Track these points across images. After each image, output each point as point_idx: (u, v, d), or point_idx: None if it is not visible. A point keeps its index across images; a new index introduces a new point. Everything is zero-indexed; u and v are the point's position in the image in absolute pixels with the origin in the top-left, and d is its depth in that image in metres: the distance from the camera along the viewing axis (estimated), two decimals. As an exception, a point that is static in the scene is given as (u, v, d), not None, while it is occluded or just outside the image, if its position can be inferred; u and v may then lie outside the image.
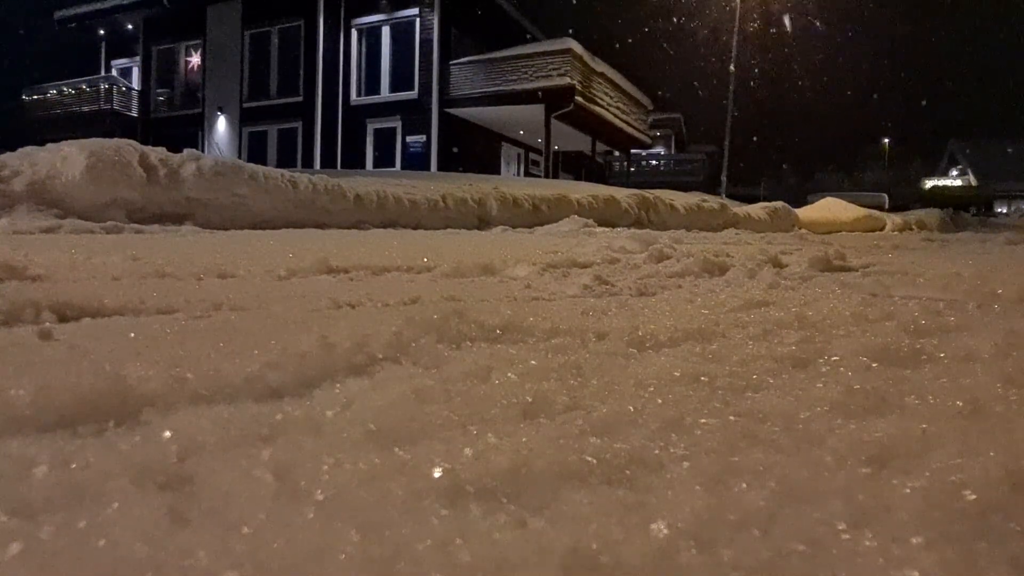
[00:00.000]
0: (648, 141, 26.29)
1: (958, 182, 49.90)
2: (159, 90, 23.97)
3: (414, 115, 19.67)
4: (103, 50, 25.96)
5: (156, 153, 6.58)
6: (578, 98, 18.26)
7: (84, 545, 0.58)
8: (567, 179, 23.10)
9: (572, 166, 26.45)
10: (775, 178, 50.16)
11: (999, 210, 41.70)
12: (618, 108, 21.66)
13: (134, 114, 24.20)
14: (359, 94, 20.64)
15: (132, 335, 1.47)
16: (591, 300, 2.33)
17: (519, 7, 22.08)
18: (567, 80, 17.96)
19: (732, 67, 23.67)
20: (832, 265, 3.83)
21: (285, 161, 20.06)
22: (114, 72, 25.61)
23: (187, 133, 21.90)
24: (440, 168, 18.69)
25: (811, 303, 2.10)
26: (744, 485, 0.73)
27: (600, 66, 19.87)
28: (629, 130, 22.89)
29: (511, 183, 11.60)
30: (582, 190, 11.47)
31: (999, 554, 0.59)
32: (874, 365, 1.29)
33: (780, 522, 0.65)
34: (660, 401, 1.04)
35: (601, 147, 24.09)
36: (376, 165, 19.93)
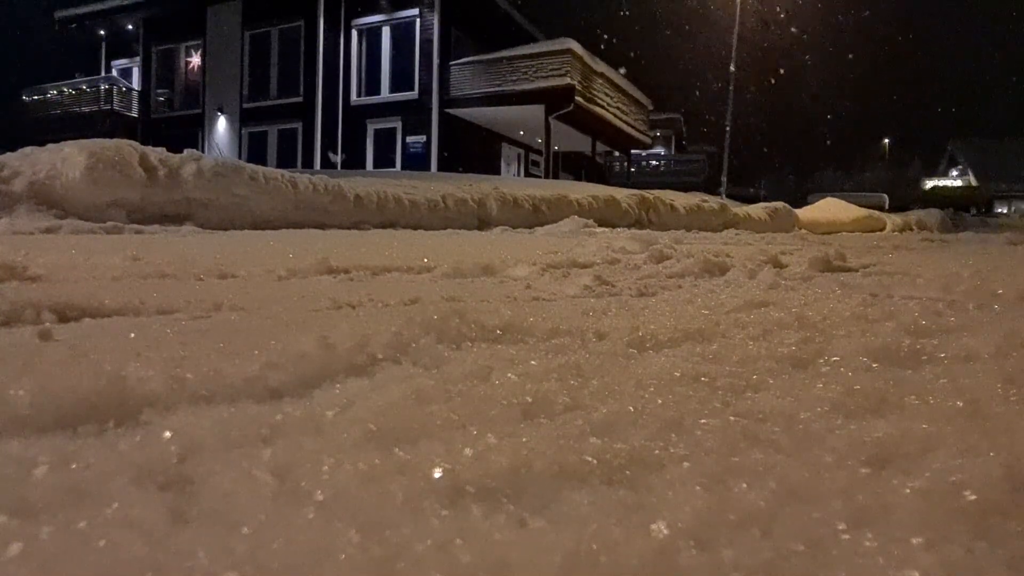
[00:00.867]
0: (648, 141, 26.29)
1: (958, 182, 49.88)
2: (159, 90, 23.97)
3: (414, 115, 19.67)
4: (103, 50, 25.97)
5: (156, 153, 6.58)
6: (578, 98, 18.26)
7: (84, 545, 0.58)
8: (567, 179, 23.08)
9: (572, 166, 26.45)
10: (775, 178, 50.17)
11: (999, 210, 41.70)
12: (618, 108, 21.66)
13: (134, 114, 24.20)
14: (359, 94, 20.64)
15: (132, 335, 1.47)
16: (591, 300, 2.33)
17: (519, 7, 22.09)
18: (567, 80, 17.96)
19: (732, 67, 23.68)
20: (832, 265, 3.83)
21: (285, 162, 20.06)
22: (114, 72, 25.62)
23: (187, 133, 21.90)
24: (440, 168, 18.69)
25: (811, 303, 2.11)
26: (744, 485, 0.73)
27: (600, 66, 19.87)
28: (629, 130, 22.89)
29: (511, 183, 11.60)
30: (582, 190, 11.47)
31: (999, 554, 0.59)
32: (874, 365, 1.29)
33: (780, 522, 0.65)
34: (660, 401, 1.04)
35: (601, 147, 24.08)
36: (376, 165, 19.94)
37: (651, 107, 25.53)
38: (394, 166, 19.67)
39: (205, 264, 2.95)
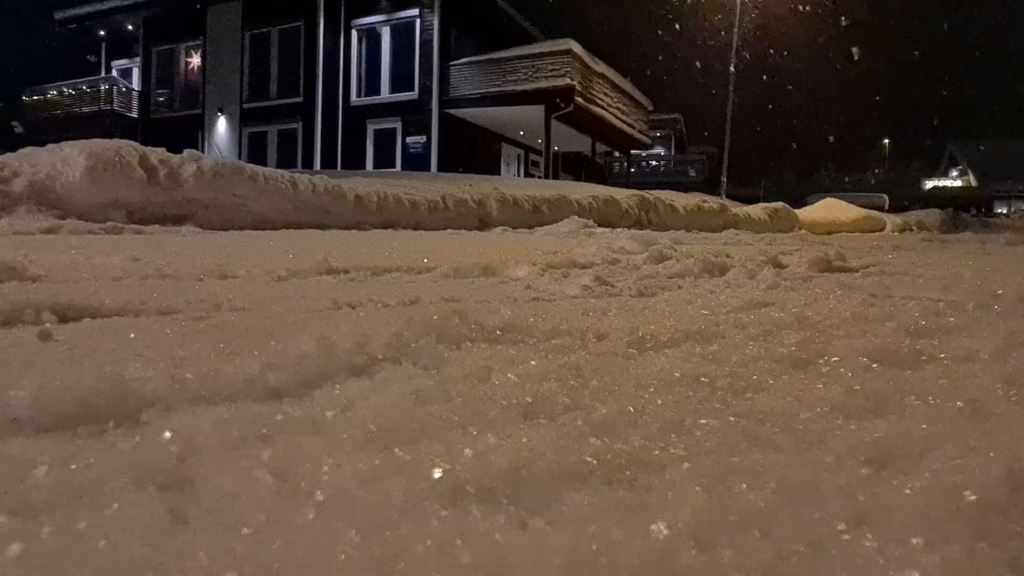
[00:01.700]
0: (648, 142, 26.28)
1: (958, 183, 49.88)
2: (159, 91, 23.96)
3: (414, 116, 19.67)
4: (103, 51, 25.96)
5: (156, 154, 6.58)
6: (578, 99, 18.25)
7: (84, 545, 0.58)
8: (567, 180, 23.08)
9: (572, 167, 26.44)
10: (775, 178, 50.13)
11: (999, 210, 41.66)
12: (618, 109, 21.66)
13: (134, 115, 24.18)
14: (359, 95, 20.64)
15: (132, 336, 1.47)
16: (591, 301, 2.33)
17: (519, 8, 22.08)
18: (567, 81, 17.96)
19: (732, 67, 23.67)
20: (832, 266, 3.83)
21: (285, 162, 20.05)
22: (114, 73, 25.61)
23: (187, 134, 21.87)
24: (440, 169, 18.69)
25: (811, 304, 2.11)
26: (744, 486, 0.73)
27: (600, 67, 19.87)
28: (629, 131, 22.88)
29: (511, 184, 11.59)
30: (582, 191, 11.47)
31: (999, 554, 0.59)
32: (874, 366, 1.29)
33: (780, 523, 0.65)
34: (660, 402, 1.04)
35: (601, 148, 24.07)
36: (376, 166, 19.94)
37: (651, 107, 25.52)
38: (394, 166, 19.66)
39: (205, 264, 2.95)
